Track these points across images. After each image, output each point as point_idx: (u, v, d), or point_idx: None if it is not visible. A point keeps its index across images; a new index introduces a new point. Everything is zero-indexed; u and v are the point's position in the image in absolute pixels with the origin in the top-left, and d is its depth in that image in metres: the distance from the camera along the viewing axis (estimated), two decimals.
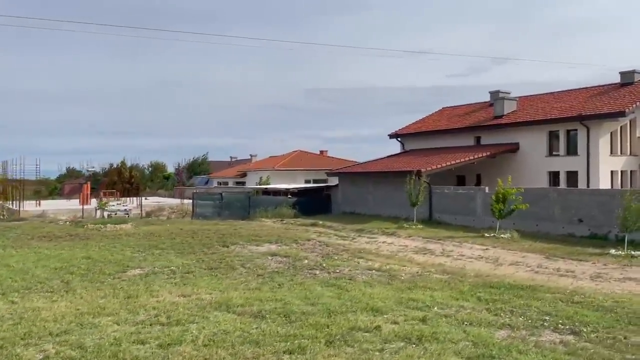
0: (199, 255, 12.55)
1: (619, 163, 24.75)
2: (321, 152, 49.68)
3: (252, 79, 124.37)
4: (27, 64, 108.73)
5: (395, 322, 6.77)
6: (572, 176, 24.88)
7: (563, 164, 25.35)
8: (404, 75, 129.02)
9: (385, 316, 7.08)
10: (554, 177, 25.68)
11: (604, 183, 23.73)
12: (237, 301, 7.53)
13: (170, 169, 69.18)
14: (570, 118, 24.58)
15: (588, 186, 23.51)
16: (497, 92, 30.14)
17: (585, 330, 6.73)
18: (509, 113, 28.56)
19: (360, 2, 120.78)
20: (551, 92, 29.31)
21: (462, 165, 26.90)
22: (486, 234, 19.27)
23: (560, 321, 7.15)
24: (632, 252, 14.96)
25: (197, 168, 65.58)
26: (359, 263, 12.41)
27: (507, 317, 7.31)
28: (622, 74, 26.62)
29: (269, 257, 12.64)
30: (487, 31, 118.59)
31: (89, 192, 34.12)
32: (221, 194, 28.26)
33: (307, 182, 41.40)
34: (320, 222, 24.08)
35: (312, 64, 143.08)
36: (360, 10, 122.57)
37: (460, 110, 33.89)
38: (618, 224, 15.65)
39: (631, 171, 25.16)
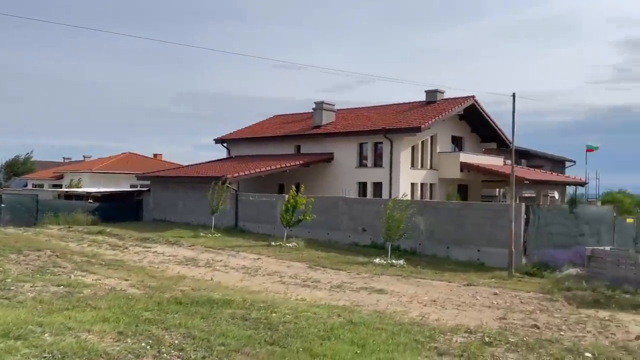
0: None
1: (420, 176, 25.93)
2: (155, 155, 46.43)
3: (119, 79, 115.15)
4: None
5: None
6: (377, 187, 25.50)
7: (370, 175, 25.93)
8: (278, 86, 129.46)
9: None
10: (363, 187, 26.14)
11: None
12: None
13: None
14: (376, 131, 25.21)
15: (390, 197, 24.20)
16: (322, 102, 30.06)
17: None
18: (326, 124, 28.74)
19: (238, 9, 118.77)
20: (366, 106, 30.20)
21: (279, 172, 26.35)
22: (273, 243, 18.55)
23: (185, 345, 6.08)
24: (393, 261, 15.08)
25: (19, 168, 57.75)
26: (70, 277, 10.58)
27: (134, 344, 6.03)
28: (427, 92, 28.11)
29: None
30: (355, 50, 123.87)
31: None
32: (0, 195, 24.28)
33: (132, 186, 38.10)
34: (109, 230, 21.61)
35: (183, 68, 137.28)
36: (238, 17, 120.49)
37: (289, 118, 33.61)
38: (382, 233, 15.78)
39: (431, 184, 26.52)
